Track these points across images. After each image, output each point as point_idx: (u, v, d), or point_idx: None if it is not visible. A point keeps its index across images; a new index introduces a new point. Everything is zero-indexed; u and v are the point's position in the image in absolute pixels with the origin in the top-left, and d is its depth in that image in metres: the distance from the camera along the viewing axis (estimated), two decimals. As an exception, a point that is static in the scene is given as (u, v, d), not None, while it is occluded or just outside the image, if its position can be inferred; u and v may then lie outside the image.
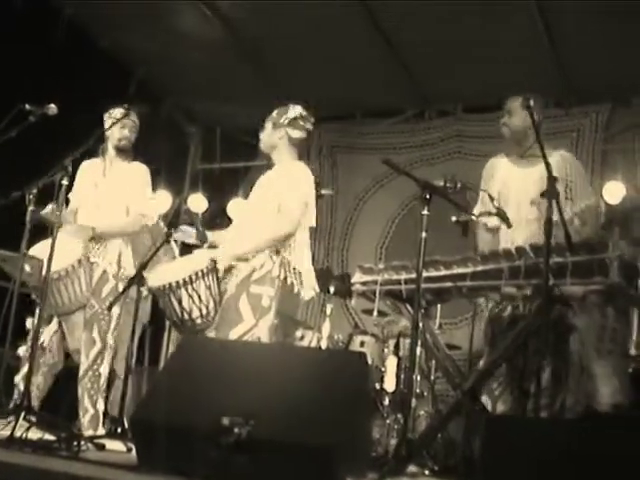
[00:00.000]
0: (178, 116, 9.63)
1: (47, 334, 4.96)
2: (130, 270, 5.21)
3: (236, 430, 3.01)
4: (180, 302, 4.41)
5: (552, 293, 3.99)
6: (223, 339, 4.35)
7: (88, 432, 4.91)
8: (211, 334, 4.56)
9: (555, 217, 3.97)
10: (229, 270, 4.63)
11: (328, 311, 6.84)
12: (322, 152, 9.46)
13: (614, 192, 7.41)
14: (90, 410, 5.04)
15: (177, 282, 4.42)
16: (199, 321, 4.48)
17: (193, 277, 4.41)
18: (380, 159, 4.41)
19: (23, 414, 4.14)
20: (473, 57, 7.62)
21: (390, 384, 6.44)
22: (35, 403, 5.12)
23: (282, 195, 4.69)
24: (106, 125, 5.42)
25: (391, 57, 7.87)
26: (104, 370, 5.10)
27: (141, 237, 6.53)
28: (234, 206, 8.54)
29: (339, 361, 3.34)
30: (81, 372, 5.08)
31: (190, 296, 4.42)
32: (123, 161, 5.43)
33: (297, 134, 4.84)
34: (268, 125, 4.86)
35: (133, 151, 5.47)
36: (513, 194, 4.80)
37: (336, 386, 3.14)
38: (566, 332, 4.66)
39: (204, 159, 10.12)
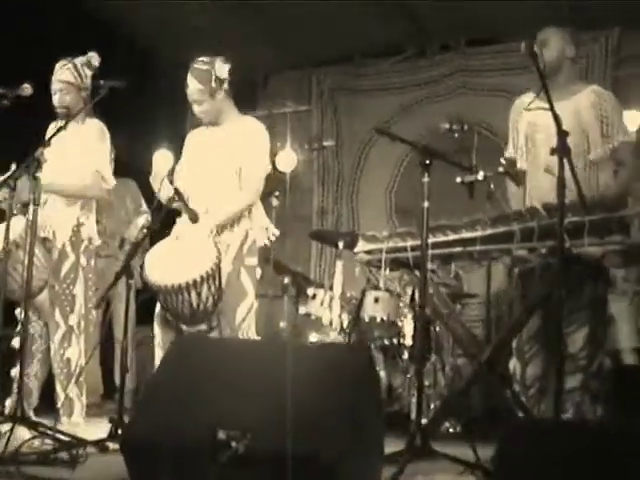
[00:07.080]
0: (176, 78, 9.28)
1: None
2: (96, 240, 4.97)
3: (233, 444, 2.79)
4: (183, 301, 4.24)
5: (568, 255, 3.72)
6: (218, 338, 4.17)
7: (63, 419, 4.76)
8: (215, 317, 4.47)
9: None
10: None
11: (339, 268, 6.61)
12: (323, 97, 9.09)
13: (630, 121, 7.08)
14: (61, 396, 4.81)
15: (185, 283, 4.22)
16: (199, 315, 4.35)
17: (198, 280, 4.22)
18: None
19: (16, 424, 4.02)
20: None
21: (408, 338, 6.25)
22: (36, 393, 4.96)
23: (244, 159, 4.62)
24: None
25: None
26: (72, 354, 4.82)
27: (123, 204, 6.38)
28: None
29: (342, 360, 3.07)
30: (51, 357, 4.87)
31: (198, 295, 4.26)
32: (77, 124, 4.88)
33: (227, 84, 4.70)
34: (204, 97, 4.64)
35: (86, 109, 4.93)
36: (543, 132, 4.39)
37: (340, 390, 2.89)
38: (605, 290, 4.42)
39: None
